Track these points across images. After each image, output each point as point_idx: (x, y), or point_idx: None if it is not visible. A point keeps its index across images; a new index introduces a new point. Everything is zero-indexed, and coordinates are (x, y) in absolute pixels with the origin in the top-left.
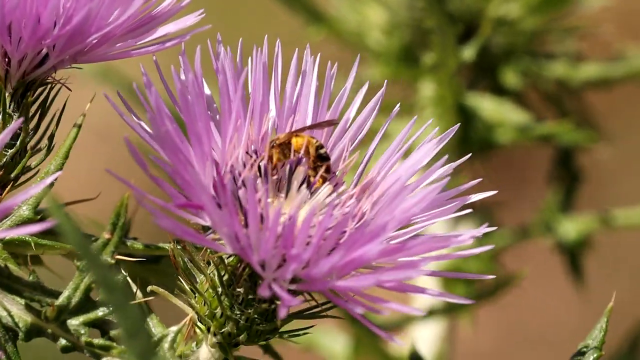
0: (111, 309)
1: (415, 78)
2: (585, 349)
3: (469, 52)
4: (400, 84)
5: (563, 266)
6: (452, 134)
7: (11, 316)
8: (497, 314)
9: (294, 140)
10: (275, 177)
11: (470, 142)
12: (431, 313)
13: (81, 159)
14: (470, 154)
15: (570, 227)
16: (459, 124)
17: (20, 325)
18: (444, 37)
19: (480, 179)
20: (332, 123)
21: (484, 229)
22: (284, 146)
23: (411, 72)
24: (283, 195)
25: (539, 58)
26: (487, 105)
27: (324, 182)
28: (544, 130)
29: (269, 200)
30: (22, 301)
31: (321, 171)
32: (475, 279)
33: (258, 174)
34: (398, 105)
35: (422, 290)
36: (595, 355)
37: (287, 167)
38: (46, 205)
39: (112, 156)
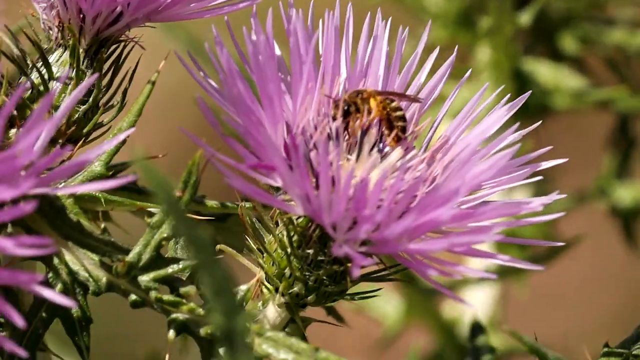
0: (197, 266)
1: (472, 42)
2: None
3: (525, 18)
4: (457, 48)
5: (616, 231)
6: (522, 102)
7: (86, 270)
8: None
9: (372, 100)
10: (346, 139)
11: (527, 107)
12: (484, 277)
13: (151, 118)
14: (533, 122)
15: (625, 194)
16: (529, 92)
17: (91, 279)
18: (501, 1)
19: (551, 147)
20: (417, 100)
21: (554, 196)
22: (364, 101)
23: (468, 36)
24: (354, 157)
25: (598, 24)
26: (543, 71)
27: (398, 142)
28: (600, 96)
29: (340, 162)
30: (95, 257)
31: (394, 132)
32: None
33: (329, 137)
34: (469, 72)
35: (492, 256)
36: None
37: (359, 130)
38: (124, 160)
39: (182, 116)
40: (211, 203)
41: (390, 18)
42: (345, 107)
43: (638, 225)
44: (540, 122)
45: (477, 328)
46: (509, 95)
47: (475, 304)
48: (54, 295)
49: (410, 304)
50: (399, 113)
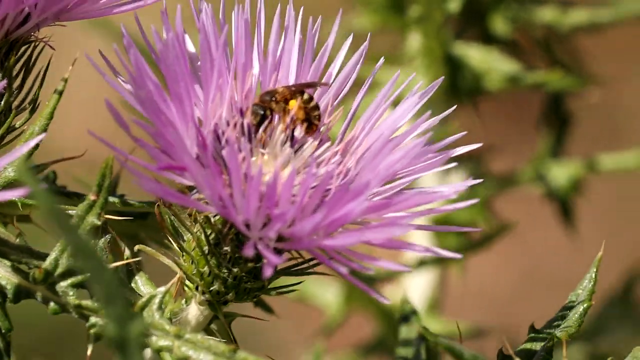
0: (87, 275)
1: (404, 27)
2: (574, 300)
3: (454, 5)
4: (390, 33)
5: (553, 213)
6: (435, 88)
7: (2, 278)
8: (514, 258)
9: (292, 102)
10: (259, 134)
11: (459, 91)
12: (421, 263)
13: (77, 113)
14: (456, 105)
15: (561, 173)
16: (442, 77)
17: (8, 287)
18: None
19: (465, 132)
20: (324, 84)
21: (469, 182)
22: (279, 103)
23: (399, 21)
24: (268, 152)
25: (528, 4)
26: (475, 55)
27: (314, 130)
28: (534, 79)
29: (253, 159)
30: (9, 263)
31: (307, 122)
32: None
33: (242, 132)
34: (382, 59)
35: (409, 247)
36: (584, 305)
37: (274, 124)
38: (21, 170)
39: (107, 112)
40: (123, 203)
41: (302, 8)
42: (262, 112)
43: (575, 206)
44: (471, 103)
45: (408, 314)
46: (421, 82)
47: (414, 289)
48: None
49: (349, 292)
50: (312, 103)
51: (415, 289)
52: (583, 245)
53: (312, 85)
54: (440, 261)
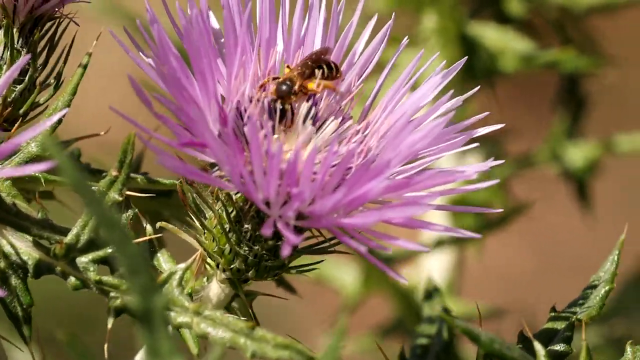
0: (111, 246)
1: (418, 9)
2: (597, 282)
3: None
4: (404, 15)
5: (570, 193)
6: (458, 68)
7: (18, 254)
8: (533, 241)
9: (309, 84)
10: (280, 110)
11: (475, 71)
12: (439, 244)
13: (96, 95)
14: (477, 87)
15: (577, 154)
16: (465, 57)
17: (29, 262)
18: None
19: (487, 113)
20: (326, 51)
21: (490, 162)
22: (295, 92)
23: (414, 2)
24: (290, 130)
25: None
26: (490, 34)
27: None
28: (548, 58)
29: (275, 136)
30: (30, 238)
31: (321, 85)
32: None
33: (264, 109)
34: (406, 38)
35: (429, 226)
36: (606, 288)
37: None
38: (46, 142)
39: (127, 92)
40: (145, 181)
41: None
42: (280, 107)
43: (591, 186)
44: (487, 84)
45: (431, 291)
46: (444, 62)
47: (432, 271)
48: None
49: (367, 274)
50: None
51: (433, 270)
52: (600, 227)
53: (314, 54)
54: (458, 242)
